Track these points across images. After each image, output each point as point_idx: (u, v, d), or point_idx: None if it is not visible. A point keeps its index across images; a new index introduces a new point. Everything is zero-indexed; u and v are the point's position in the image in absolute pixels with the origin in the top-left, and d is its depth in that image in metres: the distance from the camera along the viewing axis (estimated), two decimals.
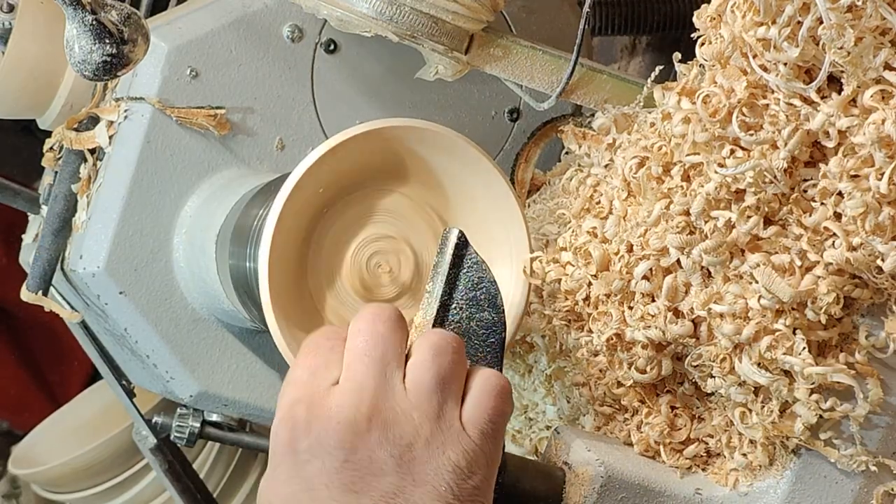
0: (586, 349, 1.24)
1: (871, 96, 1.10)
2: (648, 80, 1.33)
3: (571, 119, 1.55)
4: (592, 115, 1.41)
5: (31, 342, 2.49)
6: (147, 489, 2.01)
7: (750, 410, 1.19)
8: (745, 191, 1.14)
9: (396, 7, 1.31)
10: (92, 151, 1.46)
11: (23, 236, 1.70)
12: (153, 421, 1.58)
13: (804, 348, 1.14)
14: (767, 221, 1.16)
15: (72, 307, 1.54)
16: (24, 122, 1.66)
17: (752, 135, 1.13)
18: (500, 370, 1.05)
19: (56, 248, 1.48)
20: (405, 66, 1.46)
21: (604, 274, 1.23)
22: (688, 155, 1.17)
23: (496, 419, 1.01)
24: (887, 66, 1.11)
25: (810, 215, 1.14)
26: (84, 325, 1.56)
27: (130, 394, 1.59)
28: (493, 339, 1.06)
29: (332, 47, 1.49)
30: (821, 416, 1.17)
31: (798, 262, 1.14)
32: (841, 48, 1.09)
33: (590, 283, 1.24)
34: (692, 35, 1.22)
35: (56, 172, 1.51)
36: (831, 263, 1.13)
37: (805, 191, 1.15)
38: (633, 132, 1.30)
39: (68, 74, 1.47)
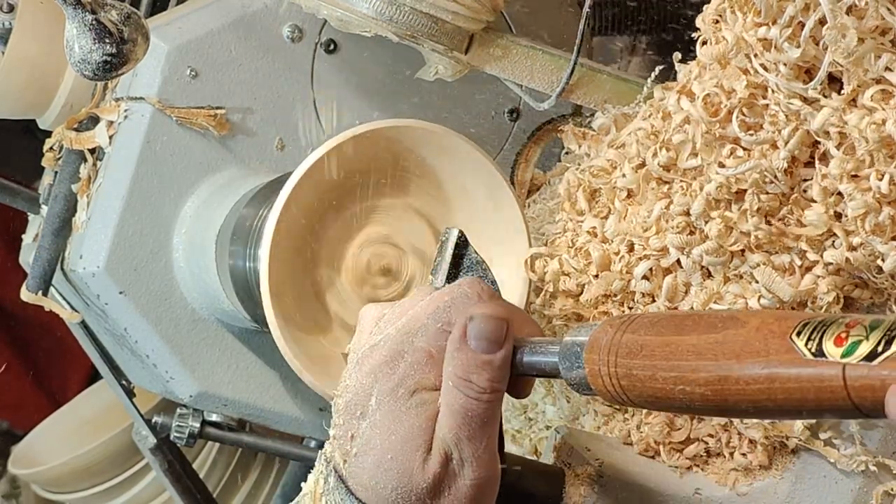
0: None
1: (872, 96, 1.10)
2: (648, 80, 1.33)
3: (571, 119, 1.55)
4: (592, 115, 1.41)
5: (31, 342, 2.49)
6: (147, 489, 2.01)
7: None
8: (745, 191, 1.14)
9: (396, 7, 1.31)
10: (92, 151, 1.46)
11: (23, 236, 1.70)
12: (153, 421, 1.58)
13: None
14: (767, 222, 1.16)
15: (72, 307, 1.54)
16: (24, 122, 1.66)
17: (752, 135, 1.13)
18: None
19: (56, 248, 1.48)
20: (405, 66, 1.46)
21: (604, 274, 1.23)
22: (688, 155, 1.17)
23: None
24: (887, 67, 1.10)
25: None
26: (84, 325, 1.56)
27: (130, 394, 1.59)
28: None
29: (332, 47, 1.49)
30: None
31: (798, 262, 1.14)
32: (842, 48, 1.09)
33: (590, 283, 1.24)
34: (692, 35, 1.22)
35: (56, 172, 1.51)
36: (831, 263, 1.13)
37: (805, 191, 1.15)
38: (633, 131, 1.29)
39: (68, 74, 1.47)
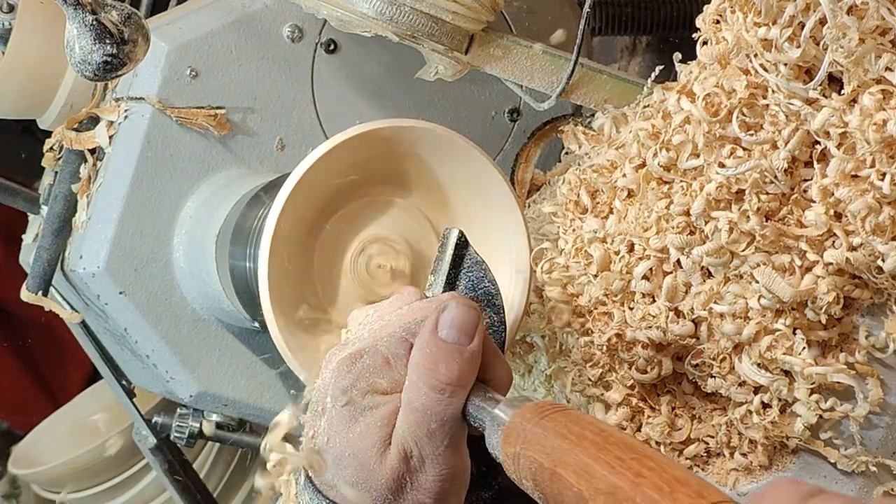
0: (586, 349, 1.24)
1: (872, 96, 1.10)
2: (648, 80, 1.33)
3: (571, 119, 1.55)
4: (592, 115, 1.41)
5: (31, 342, 2.49)
6: (147, 489, 2.01)
7: (750, 411, 1.19)
8: (745, 191, 1.14)
9: (396, 7, 1.31)
10: (92, 151, 1.46)
11: (23, 236, 1.70)
12: (153, 421, 1.58)
13: (804, 348, 1.14)
14: (767, 220, 1.16)
15: (72, 307, 1.54)
16: (24, 122, 1.66)
17: (752, 135, 1.13)
18: None
19: (56, 248, 1.48)
20: (405, 66, 1.46)
21: (604, 274, 1.23)
22: (689, 156, 1.17)
23: None
24: (887, 67, 1.11)
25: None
26: (84, 325, 1.56)
27: (130, 394, 1.59)
28: (493, 339, 1.06)
29: (332, 47, 1.49)
30: (821, 416, 1.17)
31: (798, 262, 1.14)
32: (843, 48, 1.09)
33: (590, 283, 1.24)
34: (692, 35, 1.22)
35: (56, 172, 1.51)
36: (831, 263, 1.13)
37: (805, 191, 1.15)
38: (634, 131, 1.29)
39: (68, 74, 1.47)
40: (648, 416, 1.24)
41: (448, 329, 0.97)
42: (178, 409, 1.52)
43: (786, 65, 1.12)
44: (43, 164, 1.56)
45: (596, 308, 1.24)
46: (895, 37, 1.11)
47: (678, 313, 1.20)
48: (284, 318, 1.14)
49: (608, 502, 0.82)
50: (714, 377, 1.20)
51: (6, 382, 2.47)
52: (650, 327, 1.19)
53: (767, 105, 1.14)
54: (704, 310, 1.17)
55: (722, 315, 1.17)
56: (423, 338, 0.98)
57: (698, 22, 1.21)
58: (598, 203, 1.28)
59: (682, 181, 1.18)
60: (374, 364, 0.99)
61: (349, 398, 0.98)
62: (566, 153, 1.45)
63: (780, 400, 1.17)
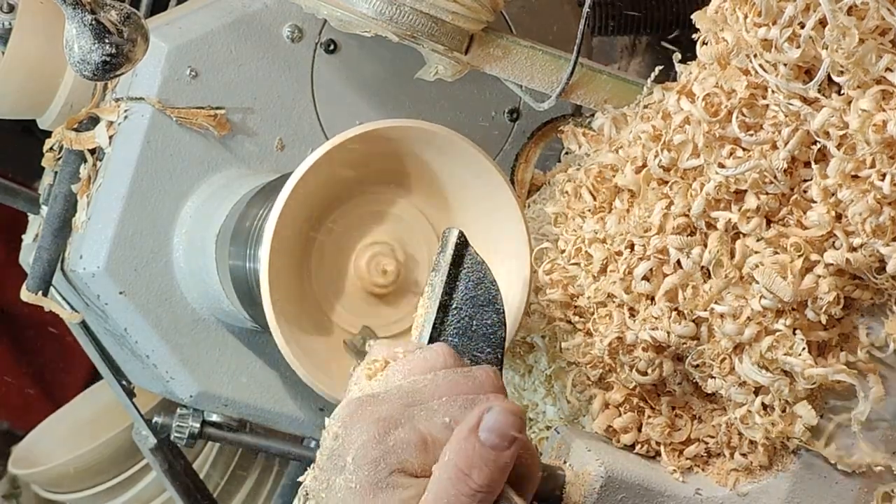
0: (586, 350, 1.24)
1: (872, 96, 1.10)
2: (648, 80, 1.33)
3: (571, 119, 1.55)
4: (592, 115, 1.41)
5: (31, 342, 2.49)
6: (147, 489, 2.01)
7: (751, 411, 1.19)
8: (745, 191, 1.14)
9: (396, 7, 1.31)
10: (92, 151, 1.46)
11: (23, 236, 1.70)
12: (153, 421, 1.58)
13: (804, 349, 1.14)
14: (767, 221, 1.16)
15: (72, 307, 1.54)
16: (24, 122, 1.66)
17: (751, 135, 1.13)
18: (501, 369, 1.06)
19: (56, 248, 1.48)
20: (405, 66, 1.46)
21: (604, 275, 1.23)
22: (689, 156, 1.17)
23: None
24: (888, 67, 1.10)
25: None
26: (84, 325, 1.56)
27: (130, 394, 1.59)
28: (493, 339, 1.06)
29: (332, 47, 1.49)
30: (821, 417, 1.17)
31: (798, 263, 1.14)
32: (843, 48, 1.09)
33: (591, 284, 1.24)
34: (692, 35, 1.22)
35: (56, 172, 1.51)
36: (832, 263, 1.13)
37: (805, 191, 1.15)
38: (633, 130, 1.29)
39: (68, 74, 1.47)
40: (649, 417, 1.24)
41: (489, 433, 0.94)
42: (178, 409, 1.52)
43: (786, 65, 1.12)
44: (43, 164, 1.56)
45: (596, 309, 1.24)
46: (895, 37, 1.11)
47: (679, 314, 1.19)
48: (285, 317, 1.14)
49: None
50: (714, 378, 1.20)
51: (6, 382, 2.47)
52: (655, 328, 1.19)
53: (767, 105, 1.14)
54: (705, 310, 1.17)
55: (722, 315, 1.17)
56: (461, 434, 0.94)
57: (698, 22, 1.21)
58: (598, 203, 1.28)
59: (682, 181, 1.18)
60: (409, 441, 0.94)
61: (377, 469, 0.94)
62: (566, 153, 1.45)
63: (780, 400, 1.17)
